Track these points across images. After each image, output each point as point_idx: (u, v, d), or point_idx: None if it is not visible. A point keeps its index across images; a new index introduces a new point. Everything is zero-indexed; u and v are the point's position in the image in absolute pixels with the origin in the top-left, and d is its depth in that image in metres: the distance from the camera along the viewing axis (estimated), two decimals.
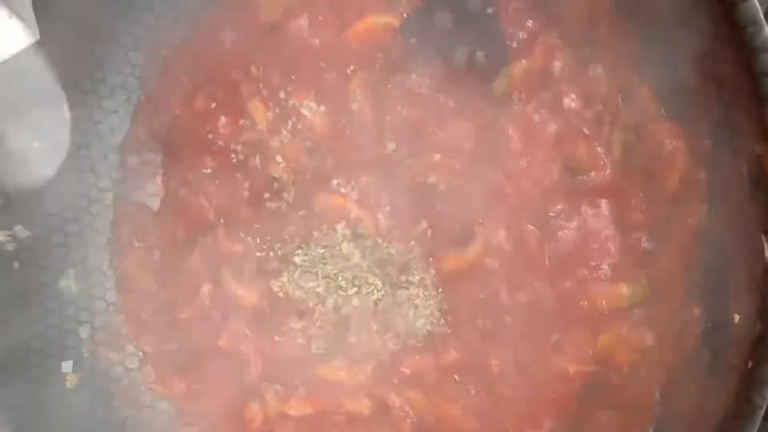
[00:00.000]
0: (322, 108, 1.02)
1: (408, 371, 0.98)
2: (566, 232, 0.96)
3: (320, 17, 1.02)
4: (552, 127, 0.97)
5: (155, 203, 1.09)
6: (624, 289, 0.94)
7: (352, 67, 1.02)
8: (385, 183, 0.99)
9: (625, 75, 0.95)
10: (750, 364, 0.80)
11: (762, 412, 0.77)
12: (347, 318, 0.98)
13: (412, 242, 0.99)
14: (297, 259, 1.00)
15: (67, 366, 1.01)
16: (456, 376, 0.97)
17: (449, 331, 0.97)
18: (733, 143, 0.84)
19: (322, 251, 1.00)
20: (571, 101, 0.96)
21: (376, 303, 0.98)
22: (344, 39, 1.02)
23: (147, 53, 1.08)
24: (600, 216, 0.95)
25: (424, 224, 0.98)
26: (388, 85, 1.00)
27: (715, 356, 0.86)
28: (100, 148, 1.07)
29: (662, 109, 0.93)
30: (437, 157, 0.98)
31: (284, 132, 1.02)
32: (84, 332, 1.04)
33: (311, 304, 0.99)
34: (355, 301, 0.98)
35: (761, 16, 0.73)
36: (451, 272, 0.98)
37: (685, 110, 0.90)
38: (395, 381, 0.98)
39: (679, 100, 0.91)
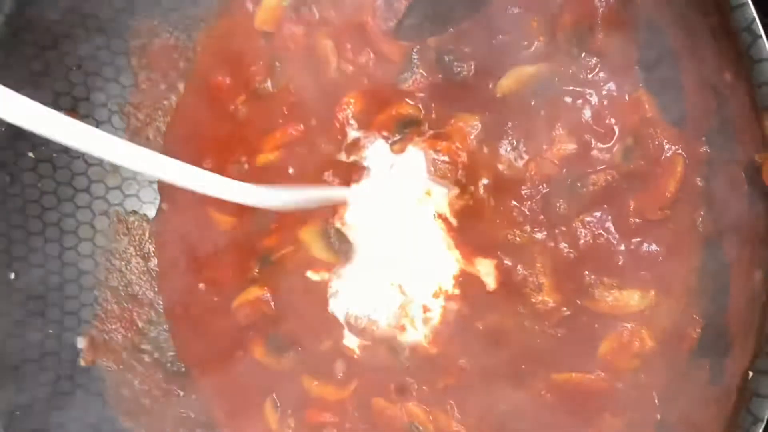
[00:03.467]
0: None
1: None
2: (567, 236, 0.95)
3: None
4: (551, 132, 0.96)
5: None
6: (624, 294, 0.93)
7: None
8: None
9: (624, 80, 0.94)
10: (750, 375, 0.79)
11: (762, 425, 0.76)
12: None
13: None
14: None
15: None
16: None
17: None
18: (731, 150, 0.83)
19: None
20: (570, 106, 0.95)
21: None
22: None
23: None
24: (600, 220, 0.94)
25: None
26: None
27: (715, 365, 0.86)
28: None
29: (661, 115, 0.92)
30: None
31: None
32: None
33: None
34: None
35: (757, 23, 0.72)
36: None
37: (684, 116, 0.90)
38: None
39: (678, 106, 0.90)
